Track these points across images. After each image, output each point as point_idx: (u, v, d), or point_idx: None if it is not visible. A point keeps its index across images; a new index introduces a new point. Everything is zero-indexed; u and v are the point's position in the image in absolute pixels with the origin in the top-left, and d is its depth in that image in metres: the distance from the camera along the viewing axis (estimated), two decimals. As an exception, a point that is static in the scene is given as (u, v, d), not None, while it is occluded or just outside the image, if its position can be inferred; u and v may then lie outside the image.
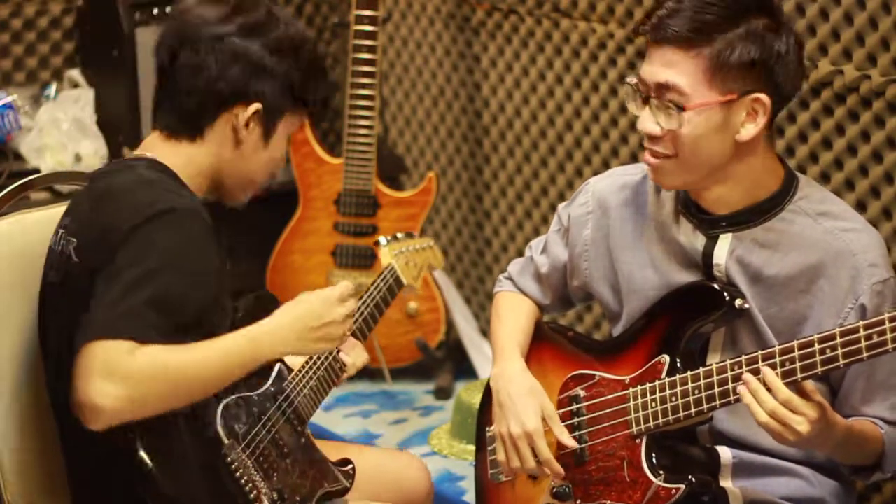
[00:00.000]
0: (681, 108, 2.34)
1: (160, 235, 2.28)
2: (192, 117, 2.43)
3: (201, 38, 2.41)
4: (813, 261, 2.42)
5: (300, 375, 2.58)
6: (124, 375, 2.17)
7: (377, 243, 2.94)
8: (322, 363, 2.63)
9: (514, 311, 2.76)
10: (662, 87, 2.35)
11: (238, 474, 2.38)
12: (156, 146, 2.46)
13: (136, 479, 2.29)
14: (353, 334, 2.67)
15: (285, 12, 2.51)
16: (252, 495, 2.39)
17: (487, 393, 2.73)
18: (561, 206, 2.74)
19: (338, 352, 2.63)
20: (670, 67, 2.34)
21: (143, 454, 2.27)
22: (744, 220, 2.44)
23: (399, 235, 2.96)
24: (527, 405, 2.57)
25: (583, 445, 2.56)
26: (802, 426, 2.23)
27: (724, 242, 2.47)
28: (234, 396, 2.43)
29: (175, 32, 2.44)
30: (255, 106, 2.42)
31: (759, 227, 2.45)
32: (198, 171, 2.45)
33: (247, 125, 2.43)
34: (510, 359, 2.66)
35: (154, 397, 2.20)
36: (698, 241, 2.50)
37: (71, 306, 2.33)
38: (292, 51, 2.44)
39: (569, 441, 2.55)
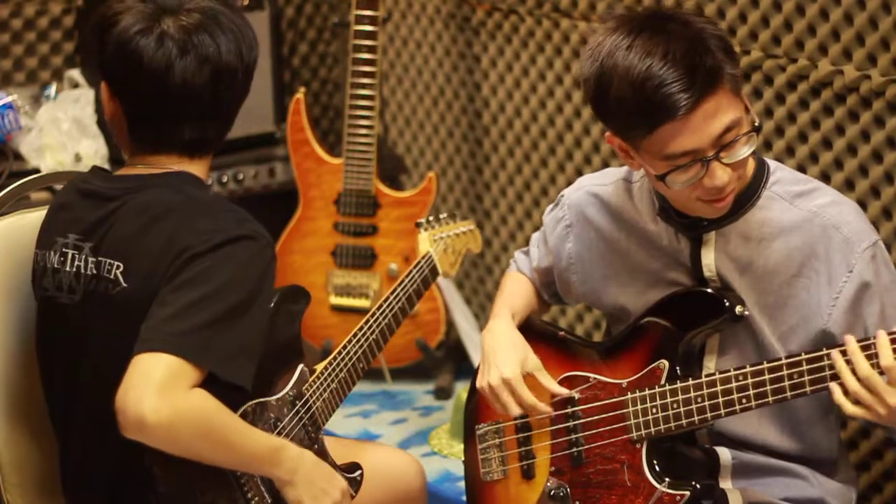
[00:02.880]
0: (758, 129, 2.33)
1: (230, 259, 2.24)
2: None
3: None
4: (798, 243, 2.43)
5: (321, 378, 2.55)
6: (176, 402, 2.15)
7: (418, 224, 2.79)
8: (345, 364, 2.60)
9: (514, 284, 2.80)
10: (729, 130, 2.31)
11: (242, 481, 2.36)
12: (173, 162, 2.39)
13: (141, 481, 2.29)
14: (381, 331, 2.65)
15: None
16: (254, 502, 2.37)
17: (474, 391, 2.73)
18: (546, 210, 2.76)
19: None
20: (719, 113, 2.30)
21: (149, 459, 2.26)
22: (724, 215, 2.44)
23: (441, 216, 2.84)
24: (507, 356, 2.58)
25: (580, 448, 2.56)
26: (893, 398, 2.21)
27: (710, 243, 2.47)
28: (252, 402, 2.38)
29: None
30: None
31: (740, 219, 2.45)
32: None
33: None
34: (498, 317, 2.68)
35: (187, 437, 2.17)
36: (682, 245, 2.50)
37: (113, 327, 2.29)
38: (98, 30, 2.33)
39: (559, 390, 2.57)
